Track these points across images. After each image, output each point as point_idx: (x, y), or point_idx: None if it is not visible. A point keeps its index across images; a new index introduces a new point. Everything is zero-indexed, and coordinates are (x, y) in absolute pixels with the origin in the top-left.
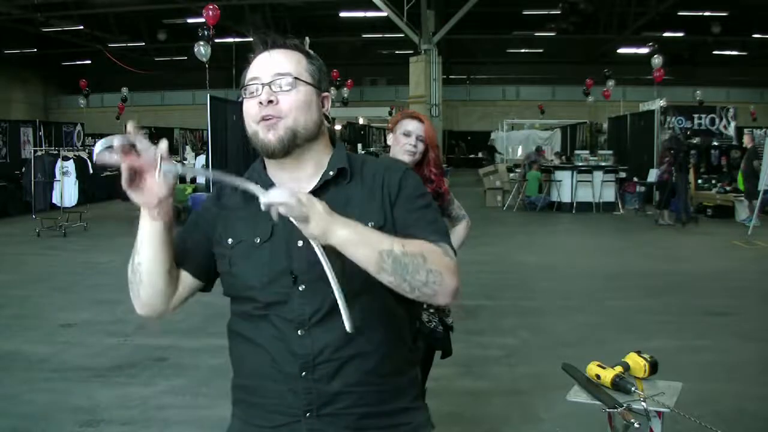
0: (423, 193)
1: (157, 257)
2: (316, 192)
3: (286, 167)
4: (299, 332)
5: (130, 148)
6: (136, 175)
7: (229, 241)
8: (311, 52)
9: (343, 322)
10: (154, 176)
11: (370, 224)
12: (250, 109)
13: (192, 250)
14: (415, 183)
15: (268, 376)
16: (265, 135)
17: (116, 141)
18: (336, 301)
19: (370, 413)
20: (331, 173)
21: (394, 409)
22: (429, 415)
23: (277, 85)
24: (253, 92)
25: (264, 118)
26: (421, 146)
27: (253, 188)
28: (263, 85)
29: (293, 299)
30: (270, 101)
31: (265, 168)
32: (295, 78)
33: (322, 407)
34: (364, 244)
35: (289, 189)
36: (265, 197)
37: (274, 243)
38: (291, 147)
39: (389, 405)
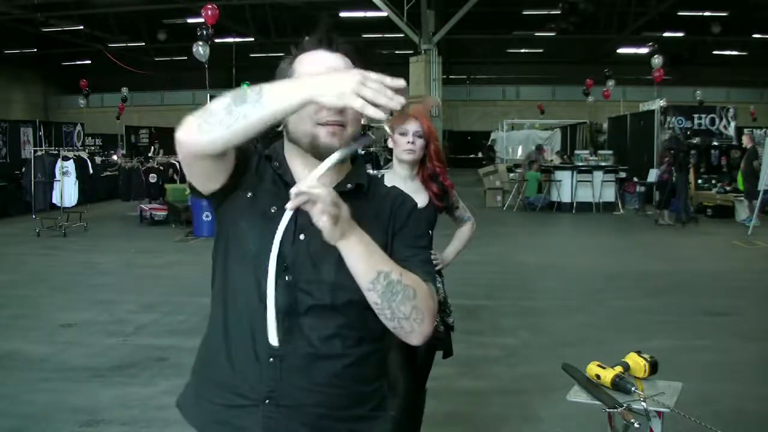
0: (424, 234)
1: (249, 133)
2: None
3: (312, 165)
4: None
5: None
6: None
7: (249, 194)
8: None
9: (321, 322)
10: None
11: None
12: (310, 109)
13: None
14: (420, 222)
15: (233, 354)
16: (330, 139)
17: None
18: (319, 304)
19: (329, 415)
20: (349, 186)
21: (353, 416)
22: (390, 425)
23: None
24: None
25: (330, 123)
26: (420, 142)
27: (320, 168)
28: None
29: (277, 286)
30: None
31: (283, 149)
32: None
33: (284, 398)
34: (368, 259)
35: (327, 186)
36: (304, 185)
37: (276, 221)
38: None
39: (350, 410)
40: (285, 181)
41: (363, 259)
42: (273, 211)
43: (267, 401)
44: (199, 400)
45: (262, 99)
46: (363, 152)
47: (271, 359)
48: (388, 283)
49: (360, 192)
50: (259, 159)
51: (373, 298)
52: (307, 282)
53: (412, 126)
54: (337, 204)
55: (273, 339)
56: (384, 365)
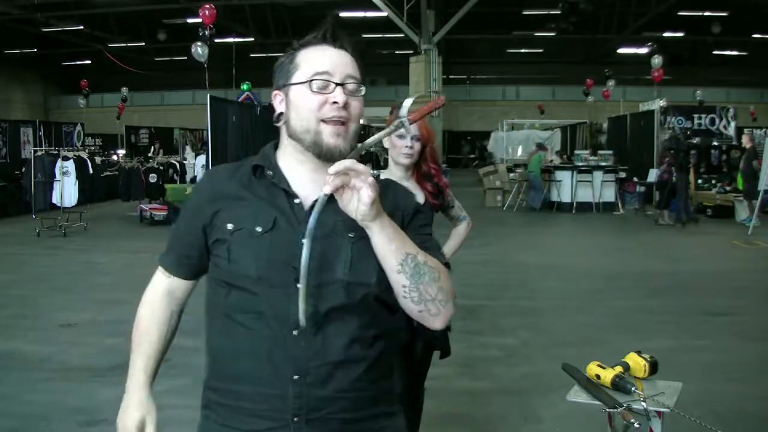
0: (429, 224)
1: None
2: (332, 197)
3: (316, 167)
4: (294, 332)
5: None
6: None
7: (229, 226)
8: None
9: (340, 327)
10: None
11: None
12: (313, 104)
13: (191, 252)
14: (426, 216)
15: (254, 378)
16: (333, 139)
17: None
18: (335, 306)
19: (354, 418)
20: None
21: (377, 414)
22: (405, 422)
23: (347, 88)
24: (323, 88)
25: (333, 121)
26: (417, 145)
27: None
28: (337, 84)
29: (290, 297)
30: (345, 104)
31: (275, 152)
32: (362, 84)
33: (312, 412)
34: (397, 240)
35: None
36: (344, 163)
37: (276, 235)
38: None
39: (373, 409)
40: (282, 188)
41: (394, 239)
42: (259, 231)
43: (295, 419)
44: (222, 429)
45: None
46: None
47: (296, 376)
48: (415, 265)
49: None
50: (212, 184)
51: (401, 280)
52: (321, 286)
53: (412, 129)
54: (374, 185)
55: (302, 319)
56: (396, 360)
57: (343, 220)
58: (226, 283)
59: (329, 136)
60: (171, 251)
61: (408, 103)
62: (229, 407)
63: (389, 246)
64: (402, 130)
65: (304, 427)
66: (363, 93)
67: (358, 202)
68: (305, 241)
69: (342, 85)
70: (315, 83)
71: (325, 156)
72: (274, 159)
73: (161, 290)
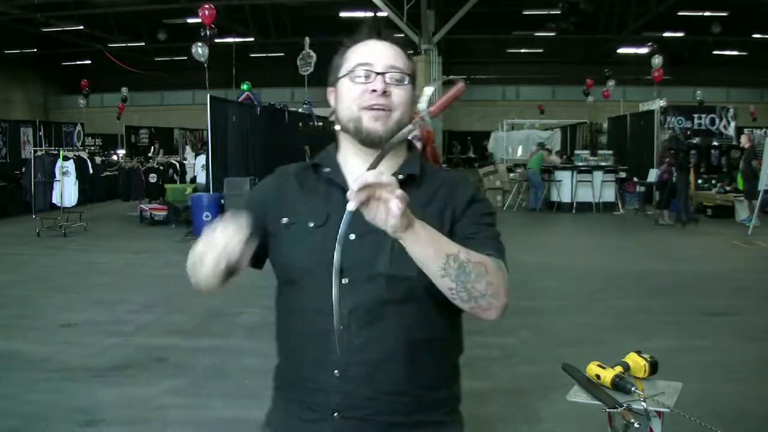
0: (491, 212)
1: (214, 274)
2: None
3: (366, 158)
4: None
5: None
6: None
7: (284, 220)
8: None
9: (382, 324)
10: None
11: None
12: (355, 93)
13: (252, 234)
14: (486, 204)
15: (302, 370)
16: (373, 124)
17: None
18: (378, 301)
19: (399, 423)
20: (400, 177)
21: (425, 421)
22: (462, 428)
23: (390, 77)
24: (363, 78)
25: (373, 108)
26: (418, 145)
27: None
28: (377, 74)
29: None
30: (385, 92)
31: (336, 152)
32: (408, 76)
33: (351, 410)
34: (434, 245)
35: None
36: (366, 177)
37: (327, 231)
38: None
39: (420, 416)
40: (337, 183)
41: (430, 244)
42: (311, 226)
43: (335, 414)
44: (285, 416)
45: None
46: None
47: (336, 371)
48: (459, 265)
49: (411, 182)
50: (296, 180)
51: (447, 284)
52: (364, 281)
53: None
54: (402, 196)
55: (336, 321)
56: (454, 369)
57: None
58: (280, 277)
59: (369, 120)
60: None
61: (428, 93)
62: (286, 395)
63: (427, 252)
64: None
65: (344, 424)
66: (407, 82)
67: (387, 214)
68: (337, 247)
69: (383, 74)
70: (356, 73)
71: (365, 141)
72: (334, 156)
73: None
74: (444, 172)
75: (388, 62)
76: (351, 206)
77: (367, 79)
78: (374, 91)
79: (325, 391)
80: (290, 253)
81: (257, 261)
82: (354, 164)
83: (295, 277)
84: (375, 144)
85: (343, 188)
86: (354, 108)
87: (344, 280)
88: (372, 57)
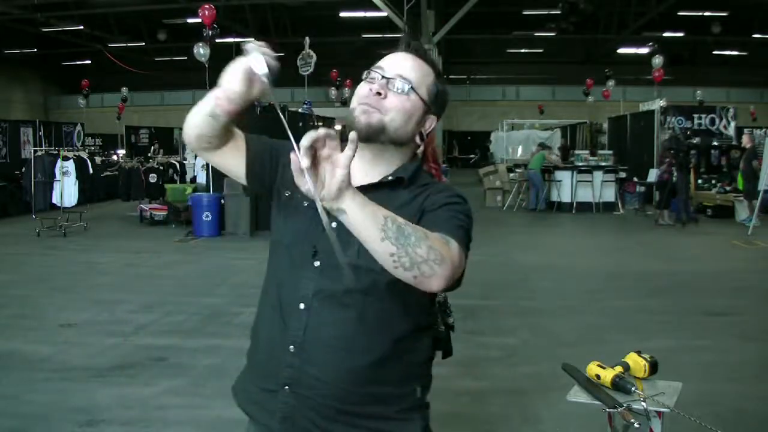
0: (467, 215)
1: (200, 120)
2: (370, 187)
3: (362, 157)
4: (300, 305)
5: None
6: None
7: (287, 193)
8: (442, 77)
9: (342, 311)
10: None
11: None
12: (361, 90)
13: (262, 153)
14: (463, 208)
15: (266, 341)
16: (358, 116)
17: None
18: (342, 289)
19: (345, 410)
20: (390, 178)
21: (374, 414)
22: (421, 429)
23: (393, 84)
24: (372, 78)
25: (365, 104)
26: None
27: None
28: (384, 77)
29: (306, 272)
30: (379, 93)
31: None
32: (412, 87)
33: (299, 386)
34: (369, 210)
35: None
36: (304, 139)
37: (315, 213)
38: (373, 138)
39: (369, 408)
40: None
41: (365, 208)
42: (306, 205)
43: (285, 387)
44: (244, 383)
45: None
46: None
47: (292, 347)
48: (397, 228)
49: (399, 184)
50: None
51: (388, 248)
52: (333, 267)
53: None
54: (337, 161)
55: (348, 281)
56: (419, 367)
57: None
58: (271, 245)
59: (358, 113)
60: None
61: (252, 50)
62: (250, 361)
63: (360, 216)
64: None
65: (291, 398)
66: (406, 92)
67: (332, 173)
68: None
69: (388, 79)
70: (369, 73)
71: (356, 131)
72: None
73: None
74: (435, 183)
75: (399, 71)
76: (304, 163)
77: (374, 81)
78: (371, 89)
79: (279, 363)
80: (281, 227)
81: (250, 176)
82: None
83: (279, 249)
84: (359, 134)
85: None
86: (355, 102)
87: (316, 263)
88: (388, 63)
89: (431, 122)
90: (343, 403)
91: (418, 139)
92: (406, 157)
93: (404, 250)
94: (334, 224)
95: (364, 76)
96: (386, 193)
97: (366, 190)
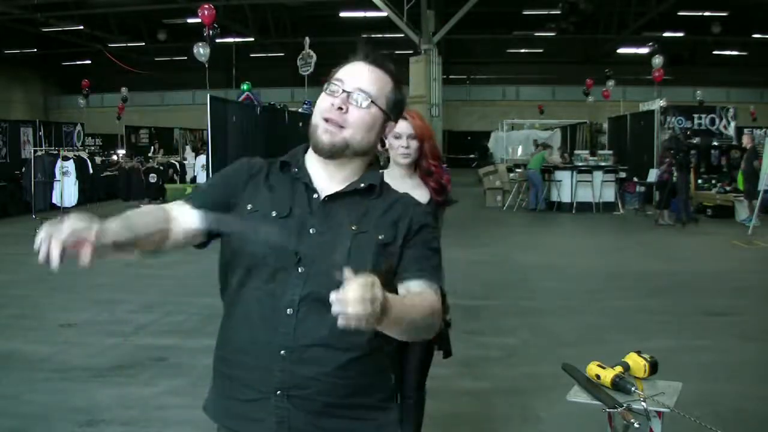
0: (435, 237)
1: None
2: (344, 194)
3: (327, 165)
4: (288, 311)
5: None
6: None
7: (249, 206)
8: (401, 84)
9: (330, 314)
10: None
11: (380, 237)
12: (322, 104)
13: (211, 206)
14: (433, 229)
15: (248, 350)
16: (322, 135)
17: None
18: (331, 288)
19: (334, 403)
20: (362, 185)
21: (359, 404)
22: (398, 417)
23: (354, 98)
24: (332, 91)
25: (328, 120)
26: (414, 144)
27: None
28: (344, 91)
29: (290, 278)
30: (340, 108)
31: (304, 154)
32: (372, 101)
33: (294, 389)
34: (402, 321)
35: (362, 287)
36: (343, 303)
37: (289, 222)
38: (338, 155)
39: (355, 399)
40: (304, 183)
41: (396, 322)
42: (274, 215)
43: (278, 392)
44: (219, 399)
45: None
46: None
47: (283, 351)
48: (414, 328)
49: (371, 191)
50: (263, 173)
51: (399, 335)
52: (319, 273)
53: (405, 128)
54: (375, 298)
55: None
56: (393, 358)
57: (349, 215)
58: (235, 259)
59: (321, 132)
60: (194, 196)
61: None
62: (226, 376)
63: (393, 330)
64: (398, 130)
65: (285, 402)
66: (366, 106)
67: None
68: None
69: (348, 93)
70: (329, 86)
71: (315, 150)
72: (302, 158)
73: (166, 206)
74: (399, 192)
75: (358, 84)
76: (341, 323)
77: (335, 94)
78: (332, 104)
79: (270, 370)
80: (252, 237)
81: (208, 238)
82: (318, 167)
83: (248, 261)
84: (320, 154)
85: (308, 186)
86: (317, 117)
87: (300, 269)
88: (347, 75)
89: (390, 128)
90: (331, 397)
91: (378, 146)
92: (367, 162)
93: (413, 335)
94: (312, 230)
95: (324, 88)
96: (358, 200)
97: (338, 197)
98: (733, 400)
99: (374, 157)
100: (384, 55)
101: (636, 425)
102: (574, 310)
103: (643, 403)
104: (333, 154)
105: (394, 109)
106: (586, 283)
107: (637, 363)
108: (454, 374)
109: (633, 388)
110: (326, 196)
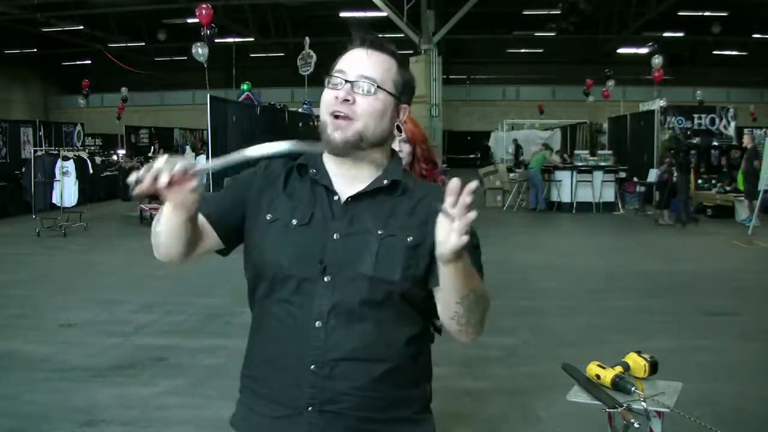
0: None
1: (175, 233)
2: (366, 194)
3: (343, 163)
4: (317, 323)
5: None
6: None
7: (268, 216)
8: (405, 64)
9: (361, 324)
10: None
11: (408, 239)
12: (327, 99)
13: (227, 213)
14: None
15: (277, 365)
16: (332, 132)
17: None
18: (358, 302)
19: (370, 418)
20: (385, 182)
21: (395, 418)
22: (434, 427)
23: (358, 86)
24: (335, 84)
25: (336, 115)
26: (406, 147)
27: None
28: (347, 81)
29: (317, 289)
30: (346, 100)
31: (322, 153)
32: (378, 86)
33: (326, 404)
34: (469, 275)
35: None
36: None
37: (311, 229)
38: (353, 150)
39: (392, 413)
40: (323, 185)
41: (467, 275)
42: (294, 223)
43: (309, 408)
44: (249, 414)
45: (162, 215)
46: None
47: (313, 366)
48: (476, 299)
49: (395, 188)
50: (281, 178)
51: (456, 308)
52: (346, 280)
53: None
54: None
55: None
56: (427, 367)
57: (374, 216)
58: (254, 273)
59: (331, 128)
60: (208, 202)
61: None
62: (255, 392)
63: (461, 281)
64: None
65: (317, 418)
66: (373, 92)
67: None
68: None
69: (351, 83)
70: (331, 80)
71: (328, 150)
72: (320, 158)
73: None
74: (425, 184)
75: (360, 71)
76: (464, 239)
77: (338, 86)
78: (337, 98)
79: (300, 386)
80: (273, 250)
81: (228, 244)
82: (334, 167)
83: (273, 273)
84: (334, 153)
85: (328, 189)
86: (325, 113)
87: (326, 278)
88: (347, 65)
89: (404, 111)
90: (367, 411)
91: (395, 132)
92: (386, 153)
93: (467, 317)
94: (336, 235)
95: (326, 83)
96: (383, 199)
97: (360, 198)
98: (733, 400)
99: (391, 148)
100: (381, 38)
101: (636, 425)
102: (574, 310)
103: (643, 403)
104: (348, 150)
105: (404, 91)
106: (586, 283)
107: (637, 363)
108: (454, 374)
109: (633, 388)
110: (348, 198)
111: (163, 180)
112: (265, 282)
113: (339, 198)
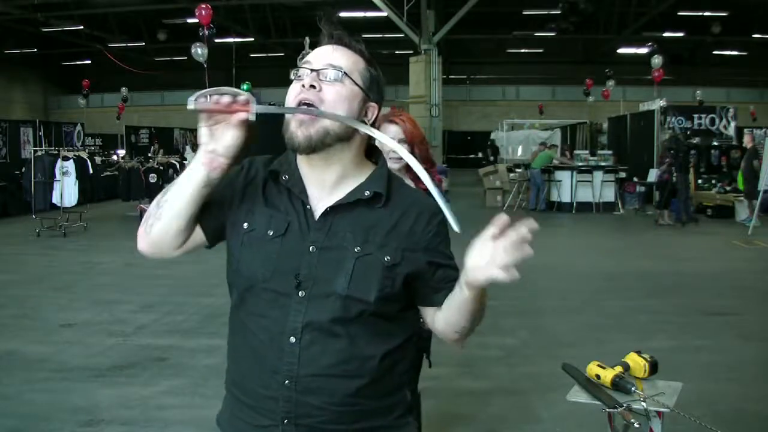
0: (448, 243)
1: (187, 200)
2: (345, 206)
3: (314, 166)
4: (291, 339)
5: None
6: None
7: (245, 225)
8: (374, 63)
9: (334, 341)
10: (230, 126)
11: (386, 258)
12: (292, 90)
13: (215, 207)
14: (446, 235)
15: (254, 377)
16: (295, 129)
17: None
18: (331, 319)
19: (348, 429)
20: (366, 193)
21: (374, 426)
22: (417, 430)
23: (324, 74)
24: (300, 75)
25: (301, 102)
26: (404, 146)
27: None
28: (312, 70)
29: (291, 304)
30: (312, 86)
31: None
32: (345, 73)
33: (301, 418)
34: (484, 304)
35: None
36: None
37: (286, 241)
38: (318, 146)
39: (370, 422)
40: (294, 193)
41: (485, 296)
42: (271, 234)
43: (285, 421)
44: (233, 419)
45: (178, 180)
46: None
47: (287, 381)
48: (480, 317)
49: (377, 200)
50: (259, 179)
51: (464, 323)
52: (320, 296)
53: (395, 132)
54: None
55: (456, 227)
56: (407, 374)
57: (352, 230)
58: (235, 283)
59: (294, 125)
60: None
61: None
62: (236, 398)
63: (476, 307)
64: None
65: (294, 430)
66: (339, 79)
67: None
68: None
69: (316, 71)
70: (297, 73)
71: (291, 148)
72: (295, 162)
73: None
74: (412, 191)
75: (326, 60)
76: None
77: (303, 76)
78: (303, 86)
79: (276, 399)
80: (247, 262)
81: (211, 241)
82: (305, 171)
83: (248, 283)
84: (298, 150)
85: (301, 199)
86: (293, 103)
87: (300, 293)
88: (314, 57)
89: (373, 111)
90: (343, 424)
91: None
92: (356, 155)
93: (470, 328)
94: (312, 248)
95: (292, 76)
96: (365, 212)
97: (339, 210)
98: (733, 400)
99: (363, 143)
100: (351, 34)
101: (636, 425)
102: (574, 310)
103: (643, 403)
104: (314, 146)
105: (372, 88)
106: (586, 283)
107: (637, 363)
108: (454, 374)
109: (633, 388)
110: (328, 208)
111: (226, 99)
112: (240, 291)
113: (311, 208)
